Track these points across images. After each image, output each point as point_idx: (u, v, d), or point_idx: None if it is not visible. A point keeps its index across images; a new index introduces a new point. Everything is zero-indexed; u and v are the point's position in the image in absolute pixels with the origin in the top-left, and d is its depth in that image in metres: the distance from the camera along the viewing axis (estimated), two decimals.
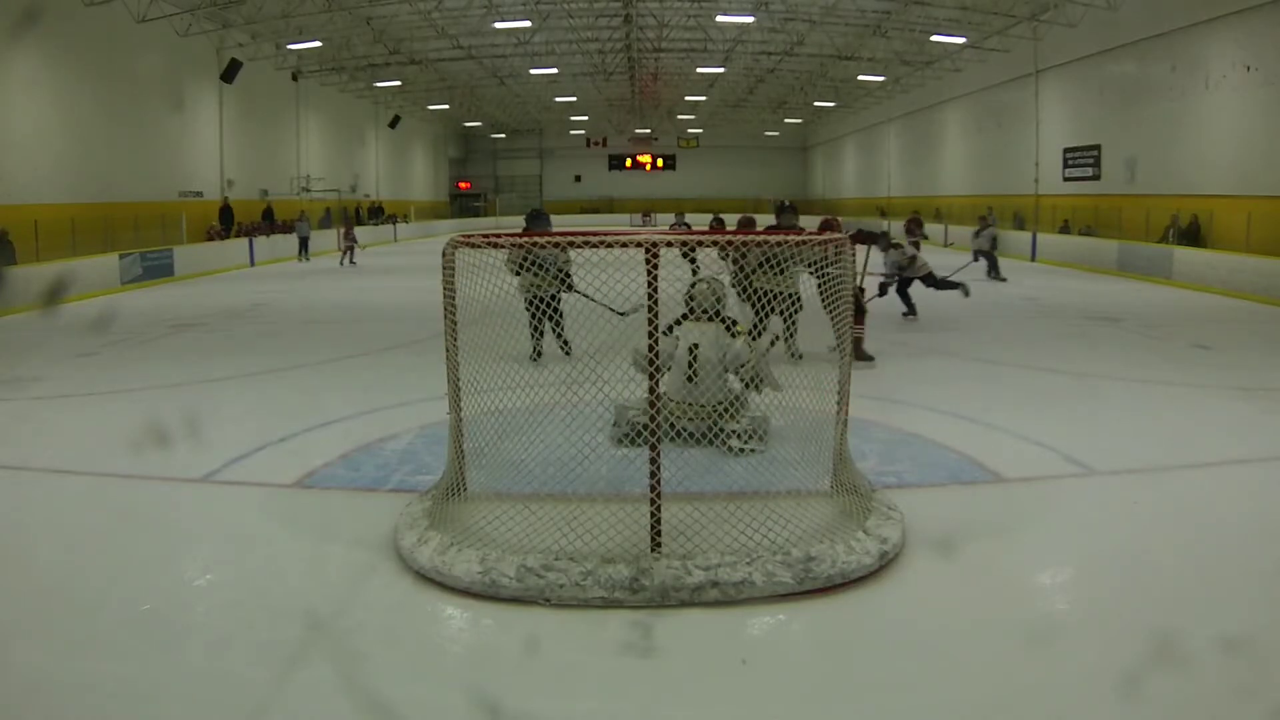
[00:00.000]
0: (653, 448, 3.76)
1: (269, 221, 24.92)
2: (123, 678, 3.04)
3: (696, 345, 5.45)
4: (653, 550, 3.71)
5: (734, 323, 5.61)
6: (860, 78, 30.77)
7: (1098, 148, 21.26)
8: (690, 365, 5.39)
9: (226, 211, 23.00)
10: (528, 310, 7.92)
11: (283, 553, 4.14)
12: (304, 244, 23.48)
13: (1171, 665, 3.00)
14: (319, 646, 3.25)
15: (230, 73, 22.70)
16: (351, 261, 22.01)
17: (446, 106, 37.81)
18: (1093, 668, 3.05)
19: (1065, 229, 21.97)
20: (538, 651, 3.23)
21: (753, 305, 5.21)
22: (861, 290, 8.19)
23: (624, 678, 3.12)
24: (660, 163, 48.72)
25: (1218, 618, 3.40)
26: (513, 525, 3.91)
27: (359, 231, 24.37)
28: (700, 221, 21.35)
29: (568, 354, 7.53)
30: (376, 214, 33.93)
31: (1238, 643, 3.14)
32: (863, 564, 3.70)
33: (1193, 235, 17.17)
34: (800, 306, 7.77)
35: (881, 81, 31.16)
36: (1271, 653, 3.16)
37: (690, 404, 5.44)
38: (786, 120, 43.95)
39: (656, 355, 3.77)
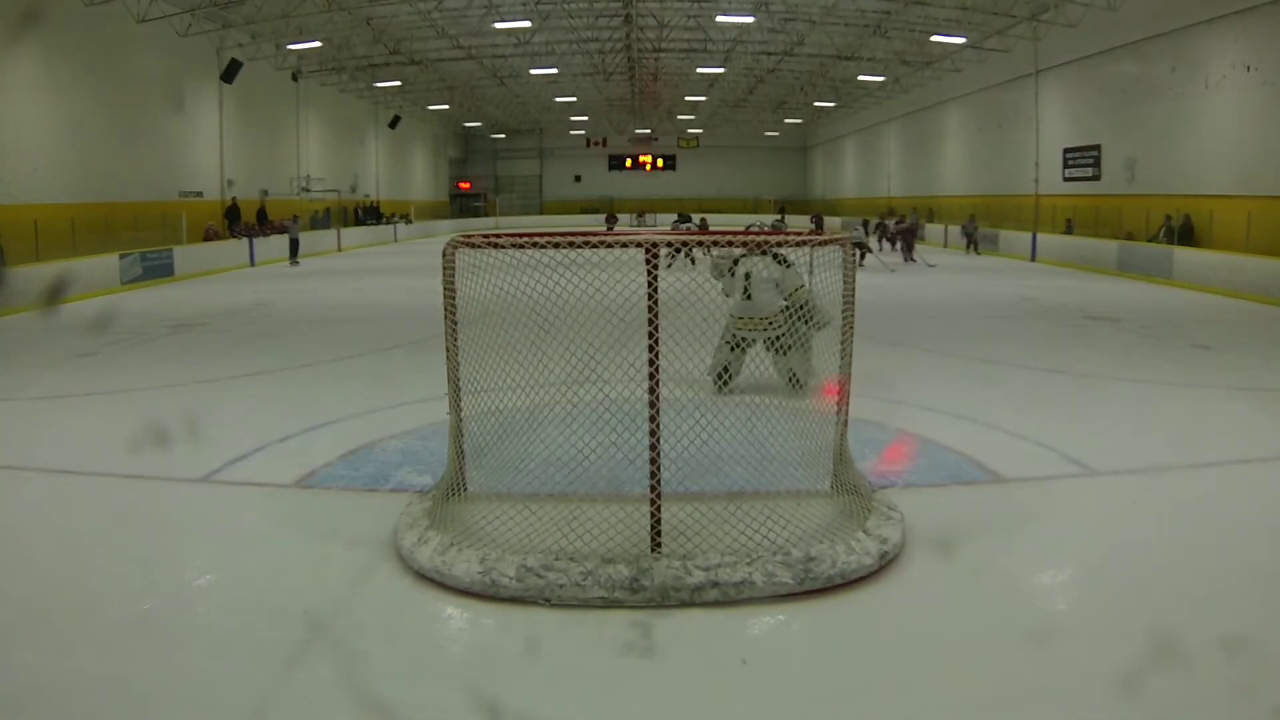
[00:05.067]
0: (652, 448, 3.76)
1: (262, 222, 24.75)
2: (123, 678, 3.04)
3: (749, 273, 6.86)
4: (653, 550, 3.72)
5: (784, 257, 6.94)
6: (860, 78, 30.74)
7: (1098, 148, 21.24)
8: (745, 287, 6.83)
9: (234, 211, 22.91)
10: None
11: (283, 553, 4.14)
12: (294, 246, 22.85)
13: (1171, 665, 3.00)
14: (319, 646, 3.25)
15: (230, 73, 22.68)
16: (295, 262, 21.07)
17: (446, 107, 37.78)
18: (1093, 668, 3.05)
19: (1069, 229, 21.94)
20: (538, 651, 3.23)
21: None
22: None
23: (624, 678, 3.12)
24: (660, 163, 48.57)
25: (1218, 618, 3.40)
26: (513, 525, 3.91)
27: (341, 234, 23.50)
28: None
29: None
30: (374, 214, 33.82)
31: (1238, 643, 3.14)
32: (863, 564, 3.70)
33: (1185, 234, 17.16)
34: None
35: (881, 81, 31.12)
36: (1271, 653, 3.16)
37: (750, 317, 6.83)
38: (786, 120, 43.93)
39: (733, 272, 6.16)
